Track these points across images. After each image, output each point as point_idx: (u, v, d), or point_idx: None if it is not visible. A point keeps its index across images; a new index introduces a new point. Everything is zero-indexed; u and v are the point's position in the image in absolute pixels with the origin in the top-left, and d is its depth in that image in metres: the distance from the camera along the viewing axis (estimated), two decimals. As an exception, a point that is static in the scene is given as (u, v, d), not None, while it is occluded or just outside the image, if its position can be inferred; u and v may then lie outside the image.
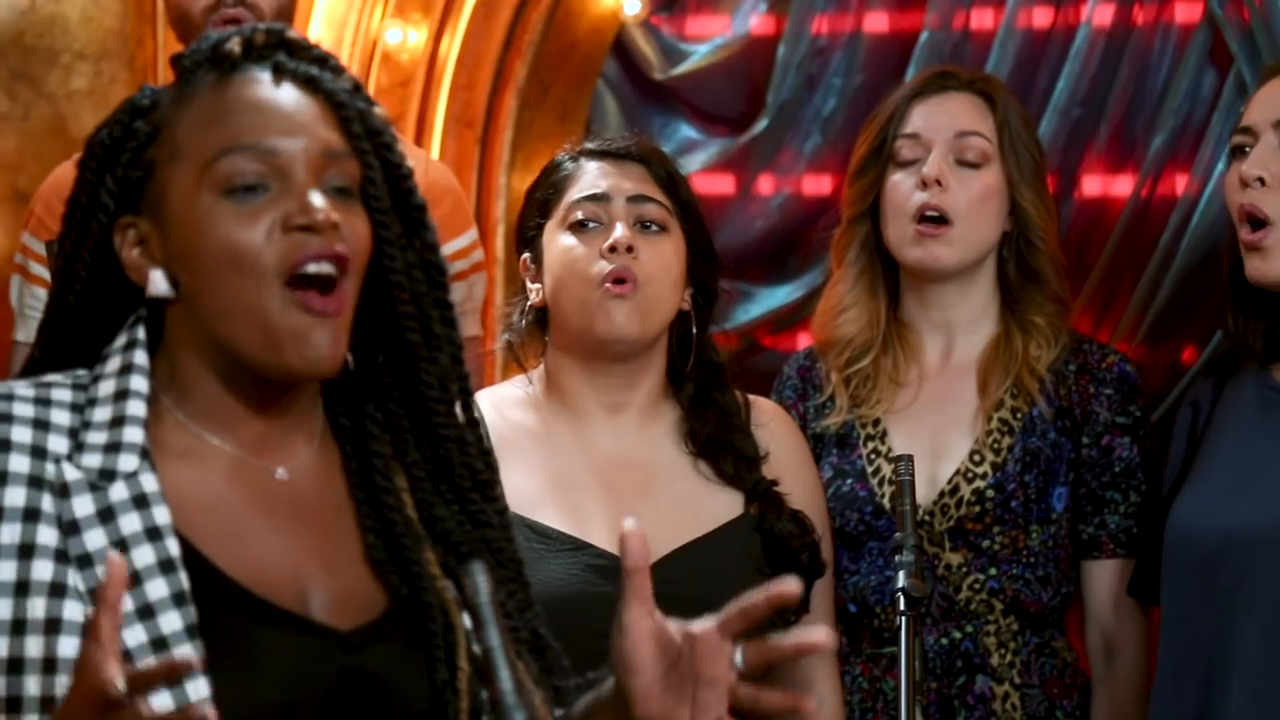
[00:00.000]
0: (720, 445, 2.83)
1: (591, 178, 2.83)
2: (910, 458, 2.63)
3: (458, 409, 1.91)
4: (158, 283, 1.84)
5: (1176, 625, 2.82)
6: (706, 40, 3.97)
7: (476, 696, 1.84)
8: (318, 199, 1.80)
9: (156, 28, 4.01)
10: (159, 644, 1.74)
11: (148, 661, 1.73)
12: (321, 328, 1.81)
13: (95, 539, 1.76)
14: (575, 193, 2.82)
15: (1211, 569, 2.75)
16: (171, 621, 1.75)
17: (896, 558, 2.55)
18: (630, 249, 2.76)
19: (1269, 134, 2.78)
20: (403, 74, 4.00)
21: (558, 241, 2.82)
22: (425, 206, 1.90)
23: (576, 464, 2.82)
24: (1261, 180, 2.75)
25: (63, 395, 1.83)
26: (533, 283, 2.87)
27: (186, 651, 1.74)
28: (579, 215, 2.81)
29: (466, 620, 1.84)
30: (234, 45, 1.85)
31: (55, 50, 4.00)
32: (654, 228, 2.81)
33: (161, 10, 3.97)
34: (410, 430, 1.90)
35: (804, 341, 3.74)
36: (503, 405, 2.80)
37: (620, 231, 2.77)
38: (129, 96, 1.90)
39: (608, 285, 2.76)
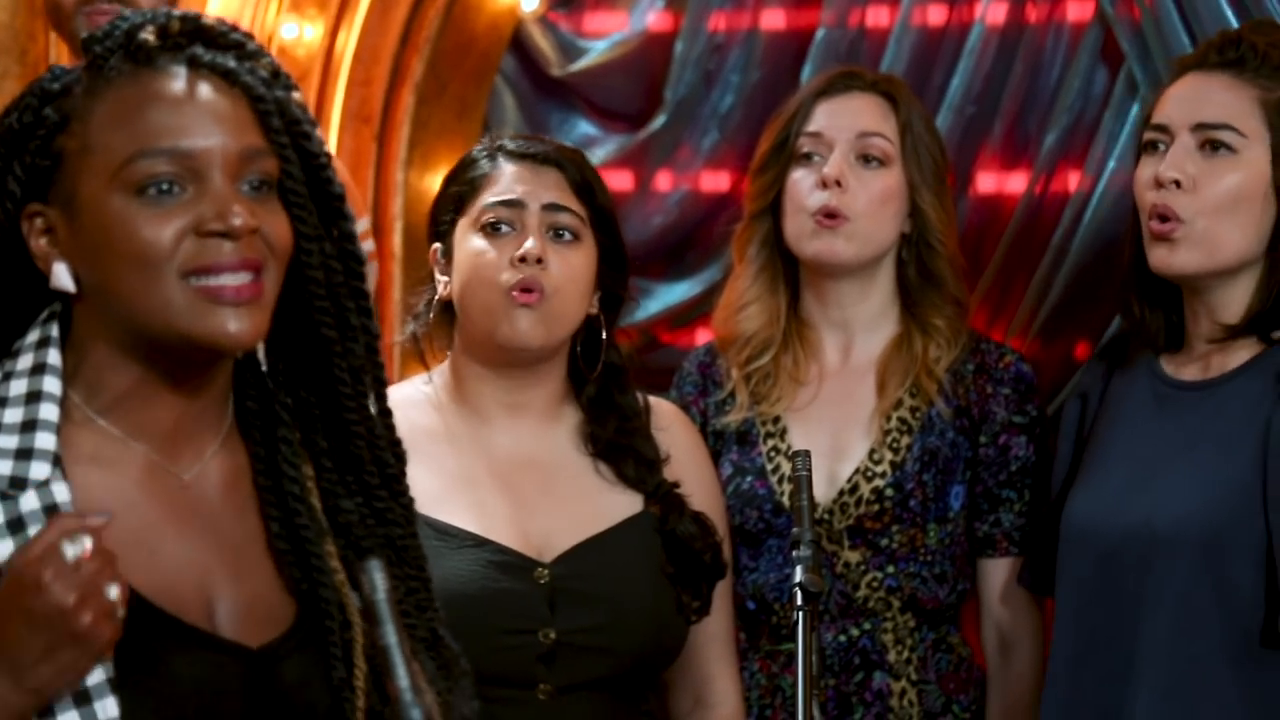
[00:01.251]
0: (621, 449, 2.83)
1: (508, 182, 2.81)
2: (807, 453, 2.65)
3: (370, 400, 1.90)
4: (61, 276, 1.82)
5: (1074, 619, 2.84)
6: (604, 37, 3.96)
7: (373, 696, 1.83)
8: (236, 204, 1.79)
9: (48, 22, 3.96)
10: None
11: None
12: (236, 315, 1.79)
13: (3, 549, 1.74)
14: (490, 195, 2.81)
15: (1113, 565, 2.77)
16: None
17: (794, 553, 2.57)
18: (540, 260, 2.76)
19: (1185, 135, 2.79)
20: (298, 69, 3.97)
21: (469, 242, 2.81)
22: (343, 195, 1.89)
23: (477, 463, 2.82)
24: (1177, 183, 2.78)
25: None
26: (441, 275, 2.87)
27: (96, 670, 1.73)
28: (492, 218, 2.80)
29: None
30: (149, 35, 1.82)
31: (-55, 44, 3.95)
32: (566, 236, 2.80)
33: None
34: (320, 419, 1.89)
35: (702, 338, 3.75)
36: (402, 406, 2.78)
37: (531, 242, 2.77)
38: (36, 78, 1.86)
39: (514, 293, 2.76)
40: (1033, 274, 3.60)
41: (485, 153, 2.86)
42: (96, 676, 1.73)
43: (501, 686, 2.65)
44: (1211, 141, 2.78)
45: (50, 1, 3.40)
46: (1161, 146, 2.81)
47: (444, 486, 2.76)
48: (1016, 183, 3.66)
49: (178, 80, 1.81)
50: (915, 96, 3.20)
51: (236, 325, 1.79)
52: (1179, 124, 2.80)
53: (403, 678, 1.64)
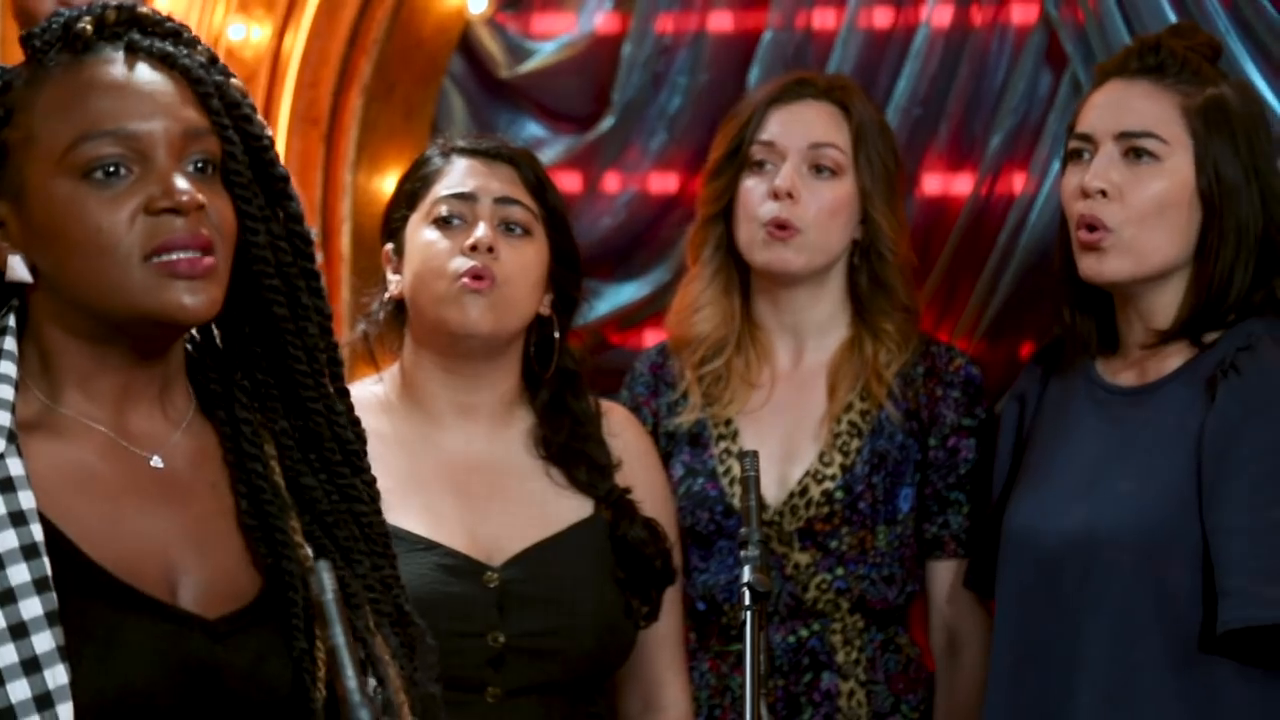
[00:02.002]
0: (573, 453, 2.84)
1: (460, 175, 2.83)
2: (755, 454, 2.66)
3: (327, 379, 1.91)
4: (17, 268, 1.84)
5: (1015, 623, 2.86)
6: (552, 38, 3.97)
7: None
8: (181, 181, 1.80)
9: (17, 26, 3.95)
10: (18, 630, 1.74)
11: (8, 649, 1.72)
12: (191, 289, 1.81)
13: None
14: (442, 188, 2.83)
15: (1055, 569, 2.79)
16: (32, 607, 1.75)
17: (741, 553, 2.58)
18: (491, 249, 2.77)
19: (1109, 145, 2.81)
20: (246, 71, 3.96)
21: (421, 235, 2.82)
22: (288, 177, 1.91)
23: (427, 465, 2.82)
24: (1104, 192, 2.80)
25: None
26: (394, 274, 2.87)
27: (45, 639, 1.74)
28: (444, 211, 2.81)
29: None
30: (85, 25, 1.84)
31: (-107, 45, 3.93)
32: (518, 230, 2.81)
33: (4, 4, 3.92)
34: (278, 399, 1.91)
35: (651, 339, 3.76)
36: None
37: (483, 231, 2.78)
38: None
39: (464, 280, 2.76)
40: (979, 275, 3.62)
41: (439, 151, 2.89)
42: (46, 644, 1.75)
43: (450, 690, 2.63)
44: (1135, 149, 2.80)
45: (18, 6, 3.39)
46: (1086, 155, 2.84)
47: (393, 489, 2.73)
48: (962, 184, 3.67)
49: (116, 65, 1.83)
50: (869, 101, 3.21)
51: (192, 299, 1.81)
52: (1102, 133, 2.82)
53: (350, 679, 1.64)
